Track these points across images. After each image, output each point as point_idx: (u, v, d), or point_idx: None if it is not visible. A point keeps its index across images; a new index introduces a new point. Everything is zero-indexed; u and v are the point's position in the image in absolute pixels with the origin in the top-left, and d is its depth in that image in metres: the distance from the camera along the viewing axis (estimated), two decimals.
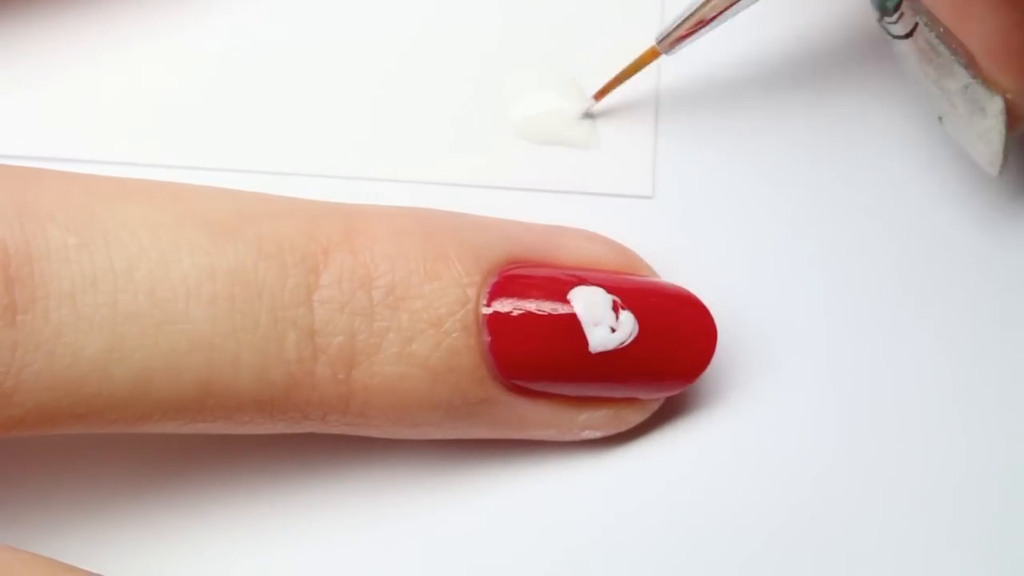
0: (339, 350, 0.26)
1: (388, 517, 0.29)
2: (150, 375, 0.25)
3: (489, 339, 0.26)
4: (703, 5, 0.27)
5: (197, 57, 0.30)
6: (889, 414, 0.30)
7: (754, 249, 0.30)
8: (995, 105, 0.27)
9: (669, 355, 0.27)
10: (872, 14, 0.27)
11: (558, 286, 0.27)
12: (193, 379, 0.25)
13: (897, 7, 0.26)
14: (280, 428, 0.26)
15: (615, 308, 0.27)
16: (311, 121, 0.30)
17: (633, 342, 0.27)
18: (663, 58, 0.29)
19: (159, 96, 0.30)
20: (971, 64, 0.27)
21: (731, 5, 0.27)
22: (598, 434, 0.28)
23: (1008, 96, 0.27)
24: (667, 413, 0.29)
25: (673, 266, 0.29)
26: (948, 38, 0.27)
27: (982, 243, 0.31)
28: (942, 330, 0.30)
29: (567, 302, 0.27)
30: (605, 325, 0.27)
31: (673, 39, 0.28)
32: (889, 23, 0.27)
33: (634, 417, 0.28)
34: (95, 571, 0.24)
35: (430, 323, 0.26)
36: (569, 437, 0.28)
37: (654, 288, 0.28)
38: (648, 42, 0.29)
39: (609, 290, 0.27)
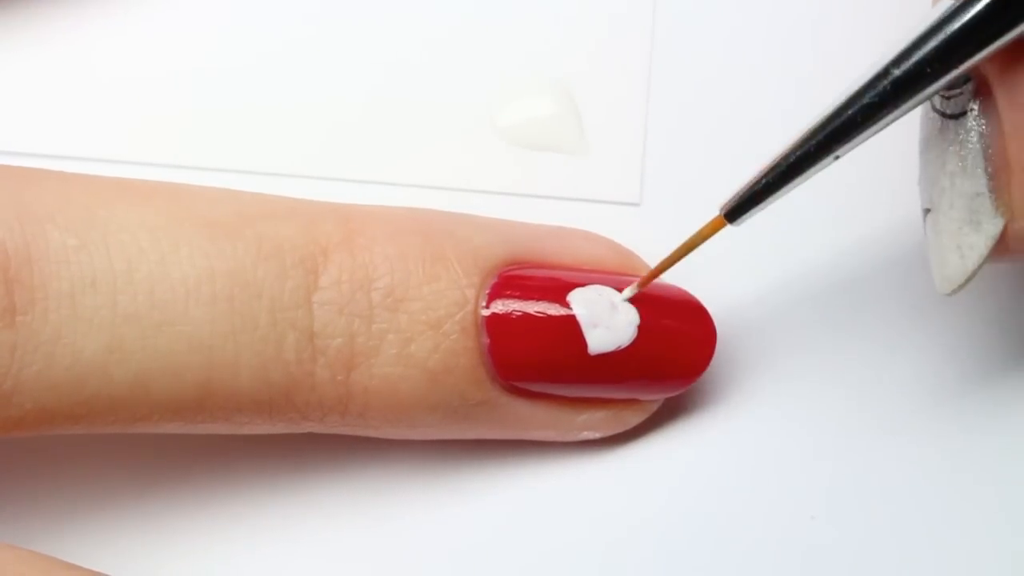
0: (338, 352, 0.26)
1: (388, 517, 0.29)
2: (149, 376, 0.25)
3: (488, 341, 0.26)
4: (768, 171, 0.25)
5: (193, 59, 0.30)
6: (887, 414, 0.30)
7: (741, 256, 0.30)
8: (994, 226, 0.25)
9: (668, 357, 0.27)
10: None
11: (557, 287, 0.27)
12: (192, 380, 0.25)
13: (965, 81, 0.25)
14: (279, 428, 0.26)
15: (614, 310, 0.27)
16: (303, 124, 0.30)
17: (632, 344, 0.27)
18: (653, 60, 0.30)
19: (159, 96, 0.30)
20: (996, 176, 0.25)
21: (796, 172, 0.25)
22: (597, 435, 0.28)
23: (1012, 224, 0.25)
24: (666, 414, 0.29)
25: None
26: (992, 139, 0.25)
27: None
28: (940, 332, 0.30)
29: (566, 304, 0.27)
30: (604, 327, 0.27)
31: (736, 205, 0.26)
32: (944, 95, 0.25)
33: (633, 418, 0.28)
34: (95, 569, 0.24)
35: (429, 325, 0.26)
36: (568, 438, 0.28)
37: (655, 291, 0.27)
38: (642, 53, 0.29)
39: None
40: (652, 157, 0.30)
